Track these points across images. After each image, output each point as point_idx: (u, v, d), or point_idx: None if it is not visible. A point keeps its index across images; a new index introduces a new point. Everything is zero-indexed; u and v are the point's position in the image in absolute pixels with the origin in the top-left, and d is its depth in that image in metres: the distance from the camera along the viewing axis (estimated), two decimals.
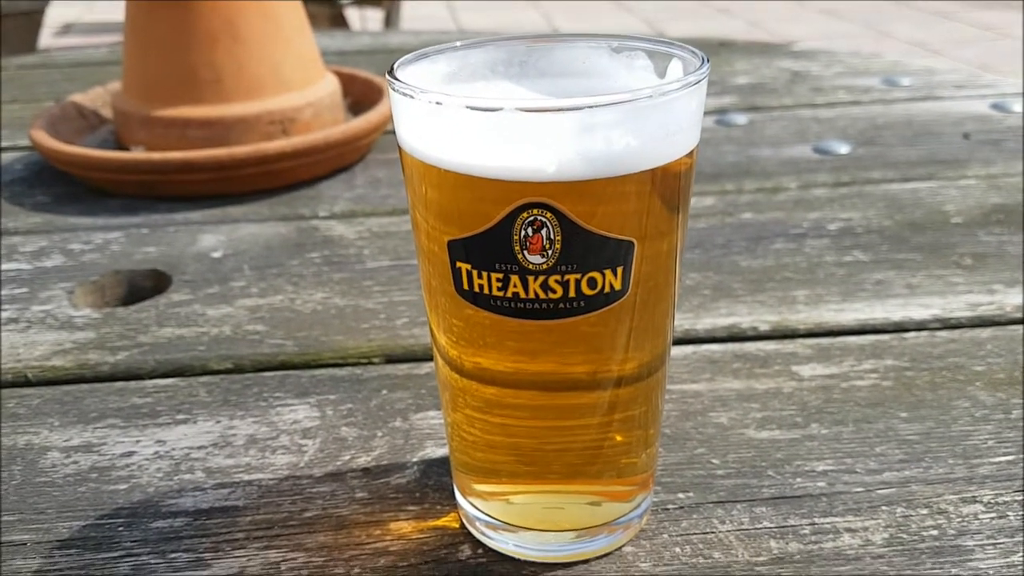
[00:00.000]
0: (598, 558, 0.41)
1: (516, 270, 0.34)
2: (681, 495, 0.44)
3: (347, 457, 0.48)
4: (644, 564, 0.40)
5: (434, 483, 0.46)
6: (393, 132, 0.38)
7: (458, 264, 0.36)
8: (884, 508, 0.43)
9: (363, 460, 0.48)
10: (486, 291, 0.35)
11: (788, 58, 1.23)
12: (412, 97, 0.34)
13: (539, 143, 0.33)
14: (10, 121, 1.07)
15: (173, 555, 0.42)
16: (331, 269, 0.69)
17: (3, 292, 0.67)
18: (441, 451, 0.48)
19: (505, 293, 0.35)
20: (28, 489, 0.46)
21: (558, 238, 0.34)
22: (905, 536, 0.41)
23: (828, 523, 0.42)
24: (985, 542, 0.41)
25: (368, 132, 0.87)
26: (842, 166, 0.85)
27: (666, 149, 0.35)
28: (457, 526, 0.43)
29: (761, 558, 0.40)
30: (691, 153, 0.36)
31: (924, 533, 0.41)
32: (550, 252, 0.34)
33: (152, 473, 0.47)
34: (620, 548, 0.41)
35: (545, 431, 0.39)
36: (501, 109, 0.32)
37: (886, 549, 0.41)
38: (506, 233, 0.34)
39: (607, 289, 0.35)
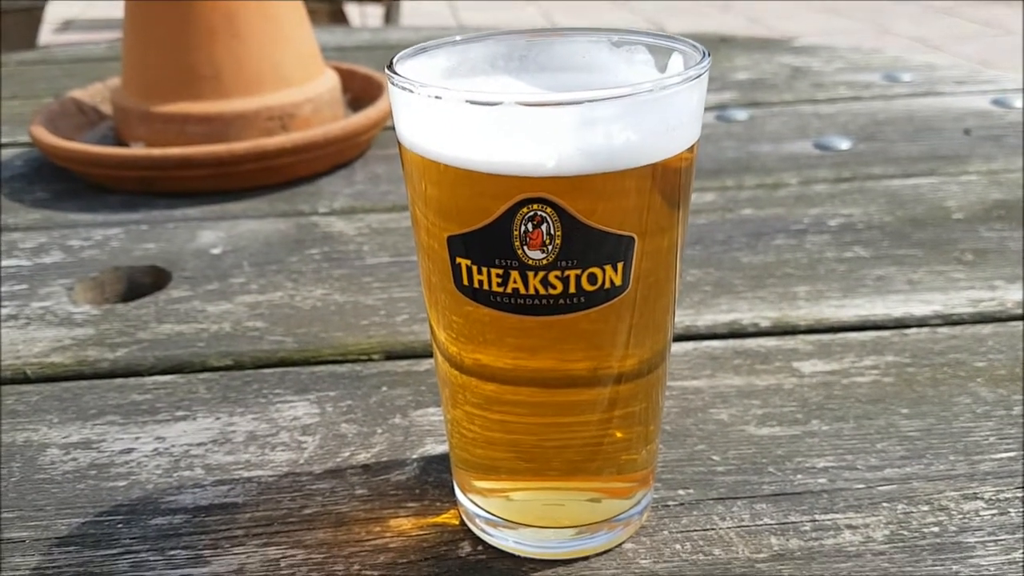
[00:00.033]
0: (598, 555, 0.41)
1: (516, 266, 0.34)
2: (681, 492, 0.44)
3: (347, 454, 0.48)
4: (644, 561, 0.40)
5: (434, 480, 0.46)
6: (393, 128, 0.37)
7: (458, 260, 0.36)
8: (885, 505, 0.43)
9: (363, 457, 0.48)
10: (486, 287, 0.35)
11: (789, 54, 1.23)
12: (411, 91, 0.34)
13: (539, 138, 0.33)
14: (10, 117, 1.07)
15: (172, 552, 0.42)
16: (331, 265, 0.68)
17: (2, 288, 0.67)
18: (441, 448, 0.48)
19: (505, 289, 0.35)
20: (27, 486, 0.46)
21: (558, 233, 0.34)
22: (906, 533, 0.41)
23: (829, 520, 0.42)
24: (986, 539, 0.41)
25: (368, 128, 0.87)
26: (843, 162, 0.85)
27: (666, 144, 0.35)
28: (457, 523, 0.43)
29: (762, 555, 0.40)
30: (691, 148, 0.36)
31: (925, 530, 0.41)
32: (550, 248, 0.34)
33: (151, 470, 0.47)
34: (620, 545, 0.41)
35: (545, 427, 0.39)
36: (501, 103, 0.32)
37: (887, 546, 0.41)
38: (506, 228, 0.34)
39: (607, 285, 0.35)
